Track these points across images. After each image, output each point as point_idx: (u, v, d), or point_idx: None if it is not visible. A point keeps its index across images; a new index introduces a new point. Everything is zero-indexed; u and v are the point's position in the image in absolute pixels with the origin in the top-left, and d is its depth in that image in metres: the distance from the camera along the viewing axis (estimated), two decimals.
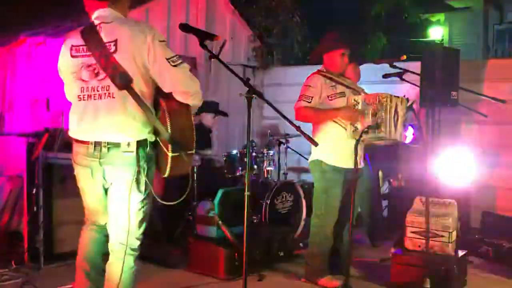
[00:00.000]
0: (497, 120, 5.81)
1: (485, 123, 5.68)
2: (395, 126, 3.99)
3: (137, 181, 2.78)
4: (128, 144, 2.74)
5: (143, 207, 2.86)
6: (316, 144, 3.16)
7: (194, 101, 2.83)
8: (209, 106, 5.97)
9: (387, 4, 10.94)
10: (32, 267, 4.53)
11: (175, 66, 2.73)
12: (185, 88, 2.77)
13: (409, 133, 5.57)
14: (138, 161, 2.75)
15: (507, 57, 6.35)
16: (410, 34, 11.39)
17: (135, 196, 2.81)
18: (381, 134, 3.93)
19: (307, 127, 3.97)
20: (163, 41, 2.76)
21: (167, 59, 2.72)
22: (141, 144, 2.77)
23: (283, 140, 6.22)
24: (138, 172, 2.77)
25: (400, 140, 4.15)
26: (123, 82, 2.68)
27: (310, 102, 4.13)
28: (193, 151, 2.86)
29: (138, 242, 2.91)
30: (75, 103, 2.85)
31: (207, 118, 6.09)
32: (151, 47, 2.71)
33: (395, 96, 4.08)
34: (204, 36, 3.04)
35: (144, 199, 2.85)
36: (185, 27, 3.14)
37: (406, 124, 4.28)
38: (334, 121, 4.15)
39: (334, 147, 4.16)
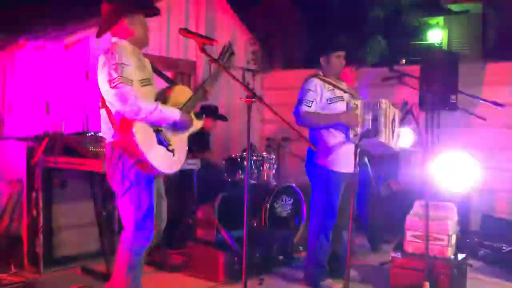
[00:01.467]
0: (497, 123, 5.81)
1: (485, 126, 5.67)
2: (392, 133, 4.00)
3: (109, 175, 3.33)
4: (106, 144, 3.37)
5: (125, 198, 3.29)
6: (315, 148, 3.17)
7: (136, 117, 3.15)
8: (208, 110, 5.98)
9: (386, 7, 10.96)
10: (32, 271, 4.53)
11: (113, 88, 3.12)
12: (118, 107, 3.16)
13: (409, 137, 5.57)
14: (107, 158, 3.32)
15: (506, 60, 6.34)
16: (409, 37, 11.40)
17: (116, 188, 3.33)
18: (380, 140, 3.93)
19: (306, 131, 3.99)
20: (115, 63, 3.12)
21: (109, 80, 3.13)
22: (113, 144, 3.28)
23: (283, 144, 6.22)
24: (108, 167, 3.31)
25: (395, 149, 4.14)
26: (101, 101, 3.29)
27: (310, 107, 4.13)
28: (141, 159, 3.21)
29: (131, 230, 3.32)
30: None
31: (206, 122, 6.10)
32: (104, 69, 3.16)
33: (393, 105, 4.10)
34: (203, 40, 3.13)
35: (124, 192, 3.27)
36: (184, 32, 3.21)
37: (400, 135, 4.29)
38: (333, 126, 4.15)
39: (333, 152, 4.16)
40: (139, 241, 3.34)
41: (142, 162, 3.20)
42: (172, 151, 3.33)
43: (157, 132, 3.27)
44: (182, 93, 3.47)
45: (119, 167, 3.27)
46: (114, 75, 3.11)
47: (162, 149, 3.29)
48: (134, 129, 3.15)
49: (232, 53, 3.51)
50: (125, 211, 3.33)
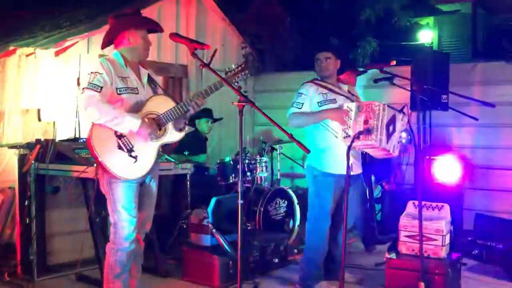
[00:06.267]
0: (488, 122, 5.84)
1: (476, 125, 5.70)
2: (388, 136, 3.98)
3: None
4: None
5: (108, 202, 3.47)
6: (308, 151, 3.17)
7: (93, 121, 3.31)
8: (202, 113, 5.98)
9: (376, 8, 10.98)
10: (26, 279, 4.50)
11: (81, 93, 3.30)
12: (80, 110, 3.38)
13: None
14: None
15: (496, 60, 6.37)
16: (399, 38, 11.42)
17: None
18: (371, 142, 3.91)
19: (301, 135, 3.99)
20: (90, 72, 3.32)
21: (82, 88, 3.34)
22: None
23: (276, 146, 6.23)
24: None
25: (393, 153, 4.12)
26: None
27: (300, 108, 4.18)
28: (98, 161, 3.34)
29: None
30: None
31: (202, 125, 6.11)
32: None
33: (396, 110, 4.06)
34: (194, 45, 3.14)
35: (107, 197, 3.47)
36: (175, 37, 3.22)
37: (401, 142, 4.22)
38: (325, 128, 4.17)
39: (325, 154, 4.18)
40: (118, 244, 3.45)
41: (100, 164, 3.30)
42: (135, 157, 3.37)
43: (119, 137, 3.34)
44: (162, 103, 3.49)
45: (100, 174, 3.46)
46: (86, 83, 3.30)
47: (122, 154, 3.34)
48: (93, 132, 3.31)
49: (244, 70, 3.50)
50: (109, 214, 3.49)
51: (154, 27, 3.61)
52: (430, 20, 11.22)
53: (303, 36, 8.96)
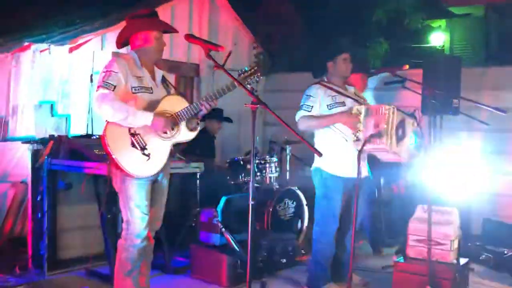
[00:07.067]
0: (499, 127, 5.82)
1: (487, 130, 5.69)
2: (398, 140, 3.97)
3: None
4: None
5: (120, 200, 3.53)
6: (320, 155, 3.18)
7: (103, 117, 3.39)
8: (213, 113, 5.99)
9: (388, 10, 10.98)
10: (36, 273, 4.56)
11: (96, 91, 3.37)
12: (94, 108, 3.45)
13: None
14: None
15: (508, 64, 6.35)
16: (411, 40, 11.41)
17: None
18: (381, 146, 3.91)
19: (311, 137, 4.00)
20: (105, 71, 3.38)
21: (97, 86, 3.39)
22: None
23: (285, 147, 6.23)
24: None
25: (404, 158, 4.09)
26: None
27: (310, 111, 4.17)
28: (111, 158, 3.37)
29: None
30: None
31: (212, 125, 6.14)
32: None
33: (406, 114, 4.06)
34: (208, 46, 3.18)
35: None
36: (190, 38, 3.26)
37: (412, 145, 4.16)
38: (334, 131, 4.17)
39: (334, 156, 4.17)
40: (130, 241, 3.49)
41: (113, 161, 3.34)
42: (148, 155, 3.41)
43: (133, 135, 3.39)
44: (176, 103, 3.54)
45: (113, 172, 3.50)
46: (100, 81, 3.36)
47: (135, 151, 3.39)
48: (107, 129, 3.37)
49: (257, 73, 3.53)
50: (121, 211, 3.55)
51: (168, 29, 3.66)
52: (442, 22, 11.19)
53: (314, 37, 8.97)
